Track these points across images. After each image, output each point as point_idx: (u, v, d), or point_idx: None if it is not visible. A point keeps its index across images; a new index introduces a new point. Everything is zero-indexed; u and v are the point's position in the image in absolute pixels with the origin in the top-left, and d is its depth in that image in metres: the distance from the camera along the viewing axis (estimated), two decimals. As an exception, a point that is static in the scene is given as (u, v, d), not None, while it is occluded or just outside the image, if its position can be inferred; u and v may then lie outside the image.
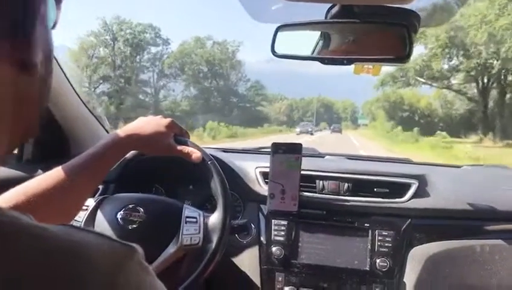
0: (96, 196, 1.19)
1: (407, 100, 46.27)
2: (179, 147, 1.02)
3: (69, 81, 1.40)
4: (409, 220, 1.32)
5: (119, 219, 1.04)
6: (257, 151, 1.88)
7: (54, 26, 0.46)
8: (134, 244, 0.39)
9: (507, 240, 1.29)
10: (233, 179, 1.32)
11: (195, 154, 1.03)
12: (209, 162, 1.05)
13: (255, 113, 59.68)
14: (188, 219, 1.03)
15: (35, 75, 0.38)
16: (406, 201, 1.34)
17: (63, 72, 1.37)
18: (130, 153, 1.11)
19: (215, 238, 1.01)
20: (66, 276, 0.32)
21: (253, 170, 1.44)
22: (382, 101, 48.33)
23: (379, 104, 50.17)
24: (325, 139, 33.59)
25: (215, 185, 1.05)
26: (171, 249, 1.00)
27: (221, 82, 55.11)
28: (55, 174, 0.84)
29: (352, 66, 1.14)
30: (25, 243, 0.33)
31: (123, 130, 0.98)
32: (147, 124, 1.00)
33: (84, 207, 1.05)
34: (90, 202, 1.08)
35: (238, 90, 58.02)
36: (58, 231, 0.35)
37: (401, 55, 0.96)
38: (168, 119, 1.04)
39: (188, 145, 1.04)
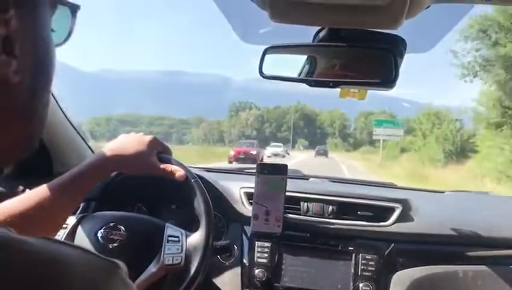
0: (77, 213, 1.17)
1: None
2: (162, 166, 1.02)
3: (54, 98, 1.39)
4: (393, 244, 1.32)
5: (99, 238, 1.02)
6: (242, 171, 1.87)
7: (68, 36, 0.45)
8: (117, 260, 0.38)
9: (489, 266, 1.30)
10: (217, 199, 1.31)
11: (179, 172, 1.02)
12: (192, 181, 1.04)
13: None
14: (170, 238, 1.01)
15: (9, 85, 0.36)
16: (390, 225, 1.34)
17: None
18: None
19: (197, 258, 0.99)
20: None
21: (238, 190, 1.43)
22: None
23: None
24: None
25: (198, 204, 1.04)
26: (152, 268, 0.98)
27: None
28: (37, 193, 0.83)
29: (338, 89, 1.16)
30: (2, 256, 0.31)
31: (106, 150, 0.97)
32: (129, 143, 1.00)
33: (63, 225, 1.02)
34: (70, 220, 1.06)
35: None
36: (38, 244, 0.34)
37: (387, 80, 0.97)
38: (150, 137, 1.04)
39: (171, 163, 1.04)
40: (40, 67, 0.39)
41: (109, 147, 0.98)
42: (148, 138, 1.03)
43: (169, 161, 1.04)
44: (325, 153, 44.22)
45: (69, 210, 0.92)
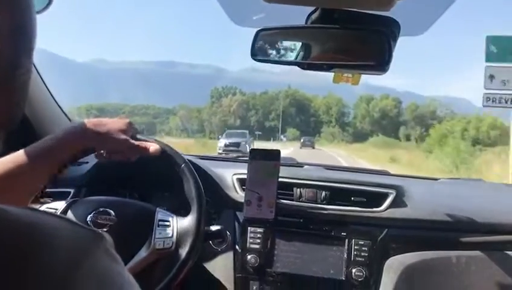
0: (67, 199, 1.15)
1: None
2: (136, 142, 0.99)
3: (39, 75, 1.36)
4: (386, 229, 1.32)
5: (88, 222, 1.01)
6: (235, 159, 1.87)
7: (49, 2, 0.43)
8: (101, 231, 0.37)
9: (483, 251, 1.30)
10: (209, 185, 1.30)
11: (153, 146, 1.00)
12: (182, 165, 1.03)
13: None
14: (160, 223, 1.01)
15: None
16: (383, 211, 1.34)
17: (35, 66, 1.33)
18: (102, 157, 1.06)
19: (188, 242, 0.99)
20: (27, 262, 0.30)
21: (230, 176, 1.43)
22: None
23: None
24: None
25: (189, 188, 1.03)
26: (143, 253, 0.97)
27: None
28: (7, 160, 0.82)
29: (332, 74, 1.15)
30: None
31: (83, 122, 0.96)
32: (106, 120, 0.99)
33: (52, 210, 1.01)
34: (60, 205, 1.04)
35: None
36: (20, 213, 0.33)
37: (380, 62, 0.96)
38: (126, 120, 1.02)
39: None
40: (21, 32, 0.37)
41: (86, 121, 0.96)
42: (124, 120, 1.02)
43: (144, 140, 1.02)
44: (311, 145, 42.74)
45: (41, 179, 0.89)
